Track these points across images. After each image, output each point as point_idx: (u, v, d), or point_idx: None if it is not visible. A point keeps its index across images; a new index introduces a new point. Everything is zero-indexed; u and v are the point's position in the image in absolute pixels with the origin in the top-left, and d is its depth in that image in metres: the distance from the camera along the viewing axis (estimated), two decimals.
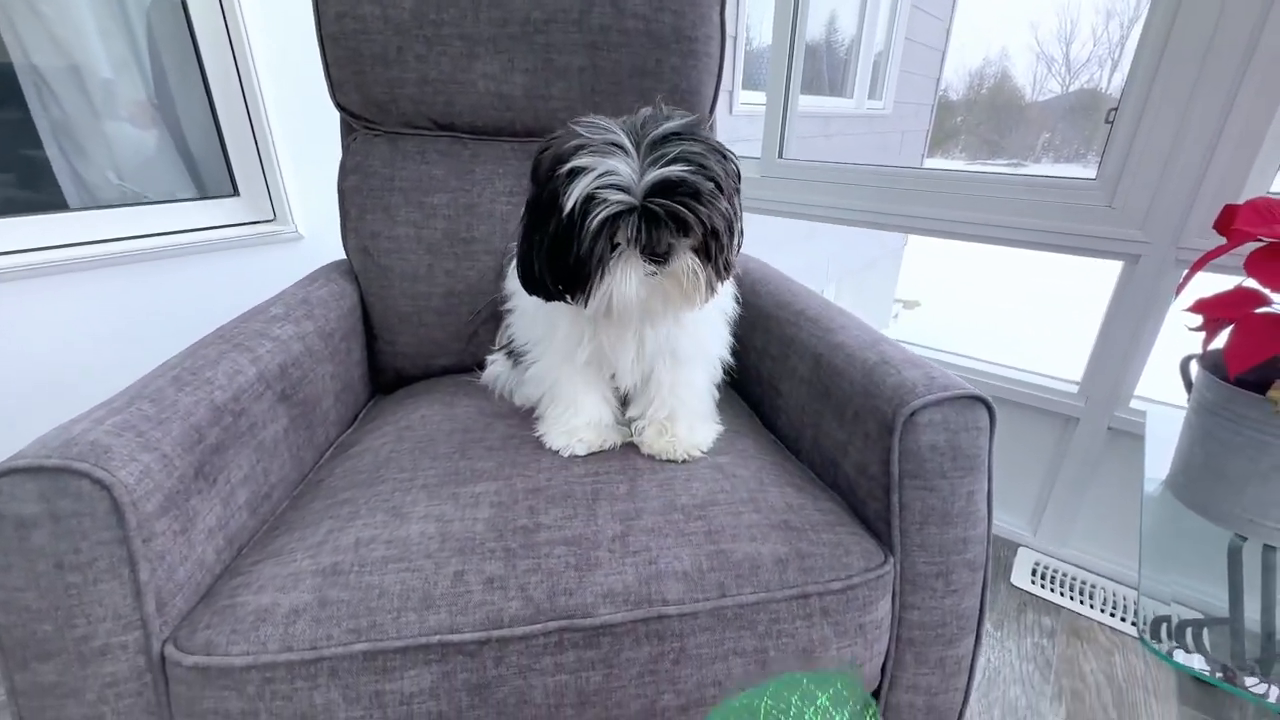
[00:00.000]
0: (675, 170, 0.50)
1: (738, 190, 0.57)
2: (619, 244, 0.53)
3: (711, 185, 0.52)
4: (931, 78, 4.03)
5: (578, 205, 0.50)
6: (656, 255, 0.53)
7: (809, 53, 2.94)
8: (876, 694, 0.64)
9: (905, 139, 3.91)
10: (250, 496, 0.61)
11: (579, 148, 0.51)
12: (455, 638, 0.49)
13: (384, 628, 0.49)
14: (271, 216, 1.41)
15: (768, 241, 1.10)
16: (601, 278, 0.53)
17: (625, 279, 0.53)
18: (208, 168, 1.38)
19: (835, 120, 3.11)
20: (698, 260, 0.54)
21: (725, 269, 0.57)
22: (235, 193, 1.38)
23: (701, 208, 0.51)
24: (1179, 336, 0.85)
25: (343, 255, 1.00)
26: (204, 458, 0.54)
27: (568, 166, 0.51)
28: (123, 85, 1.26)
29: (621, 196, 0.50)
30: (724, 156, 0.55)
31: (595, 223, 0.49)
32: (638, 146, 0.51)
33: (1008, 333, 3.34)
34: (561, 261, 0.53)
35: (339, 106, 0.96)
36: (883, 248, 3.86)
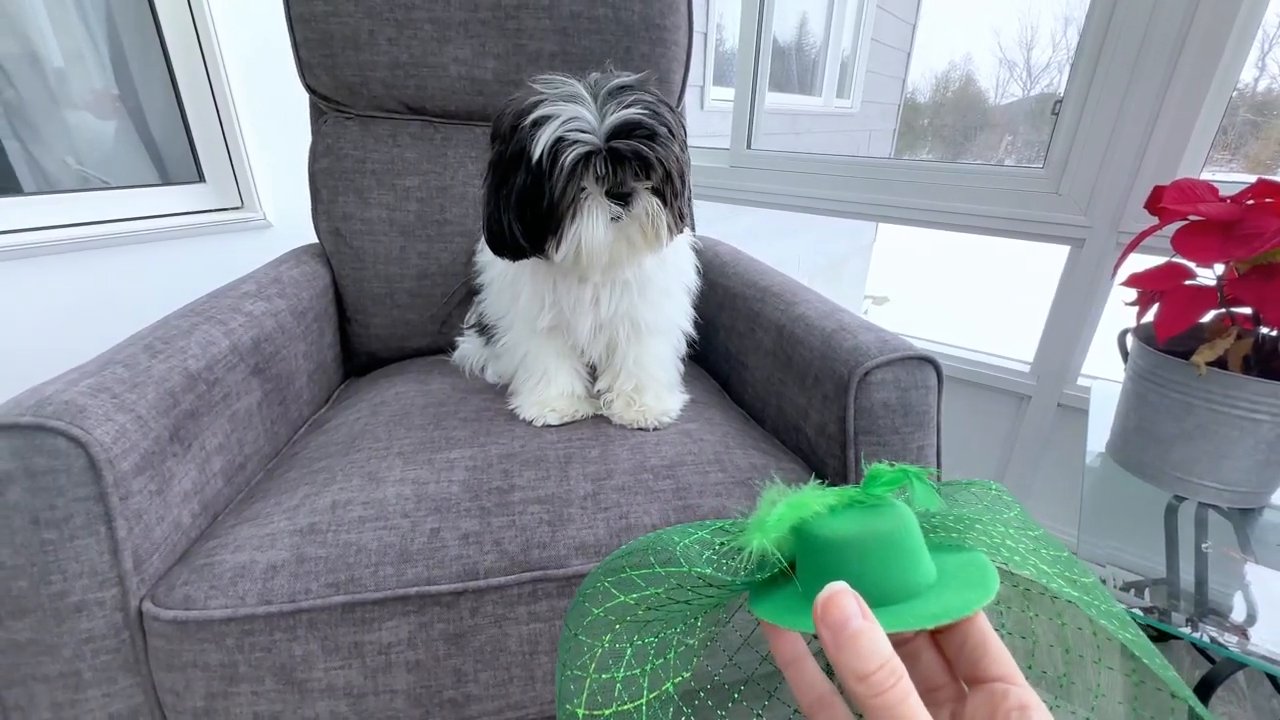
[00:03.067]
0: (634, 112, 0.53)
1: (685, 145, 0.60)
2: (585, 188, 0.56)
3: (665, 130, 0.55)
4: (898, 78, 4.14)
5: (546, 151, 0.52)
6: (620, 197, 0.56)
7: (779, 52, 3.00)
8: None
9: (873, 137, 4.01)
10: (225, 465, 0.62)
11: (540, 101, 0.54)
12: (433, 589, 0.51)
13: (362, 581, 0.51)
14: (239, 204, 1.39)
15: (737, 239, 1.14)
16: (571, 220, 0.55)
17: (593, 222, 0.56)
18: (172, 154, 1.35)
19: (803, 118, 3.17)
20: (658, 202, 0.57)
21: (681, 217, 0.60)
22: (201, 179, 1.36)
23: (659, 148, 0.54)
24: (1120, 315, 0.90)
25: (312, 242, 1.00)
26: (179, 422, 0.55)
27: (532, 117, 0.53)
28: (80, 74, 1.24)
29: (588, 138, 0.52)
30: (672, 109, 0.59)
31: (568, 161, 0.52)
32: (595, 97, 0.54)
33: (971, 322, 3.45)
34: (530, 212, 0.56)
35: (309, 89, 0.96)
36: (853, 243, 3.94)
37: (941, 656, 0.24)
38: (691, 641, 0.25)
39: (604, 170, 0.54)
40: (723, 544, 0.26)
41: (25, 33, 1.15)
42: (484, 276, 0.79)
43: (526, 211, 0.56)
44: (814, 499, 0.23)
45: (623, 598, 0.24)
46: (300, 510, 0.56)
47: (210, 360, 0.62)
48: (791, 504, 0.23)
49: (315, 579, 0.50)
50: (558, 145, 0.53)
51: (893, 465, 0.24)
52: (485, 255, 0.75)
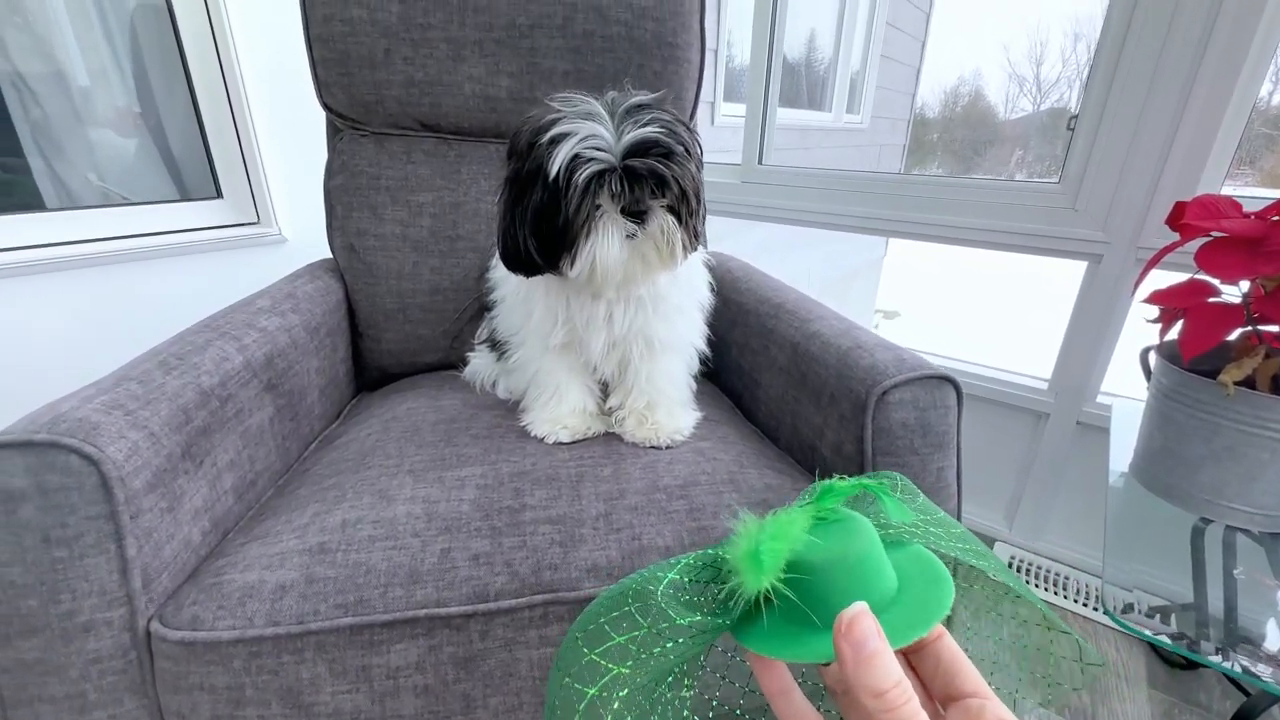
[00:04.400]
0: (651, 131, 0.53)
1: (701, 164, 0.60)
2: (600, 206, 0.56)
3: (682, 149, 0.55)
4: (907, 94, 4.15)
5: (562, 168, 0.52)
6: (635, 215, 0.56)
7: (789, 68, 3.02)
8: None
9: (882, 152, 4.01)
10: (236, 482, 0.62)
11: (557, 118, 0.54)
12: (442, 611, 0.50)
13: (371, 602, 0.50)
14: (255, 219, 1.41)
15: (748, 254, 1.14)
16: (586, 237, 0.55)
17: (608, 240, 0.56)
18: (190, 170, 1.38)
19: (813, 133, 3.18)
20: (673, 220, 0.57)
21: (696, 235, 0.60)
22: (218, 195, 1.38)
23: (675, 166, 0.54)
24: (1140, 332, 0.89)
25: (326, 257, 1.01)
26: (191, 439, 0.55)
27: (550, 134, 0.53)
28: (104, 93, 1.26)
29: (604, 155, 0.52)
30: (688, 127, 0.59)
31: (583, 179, 0.52)
32: (612, 115, 0.54)
33: (983, 338, 3.42)
34: (546, 229, 0.56)
35: (326, 107, 0.97)
36: (864, 257, 3.93)
37: (917, 678, 0.25)
38: (685, 694, 0.25)
39: (619, 188, 0.54)
40: (694, 580, 0.25)
41: (52, 53, 1.18)
42: (497, 293, 0.79)
43: (542, 228, 0.56)
44: (794, 526, 0.23)
45: (617, 669, 0.23)
46: (310, 529, 0.56)
47: (224, 376, 0.62)
48: (775, 536, 0.23)
49: (324, 600, 0.50)
50: (574, 163, 0.53)
51: (843, 479, 0.25)
52: (498, 271, 0.75)
